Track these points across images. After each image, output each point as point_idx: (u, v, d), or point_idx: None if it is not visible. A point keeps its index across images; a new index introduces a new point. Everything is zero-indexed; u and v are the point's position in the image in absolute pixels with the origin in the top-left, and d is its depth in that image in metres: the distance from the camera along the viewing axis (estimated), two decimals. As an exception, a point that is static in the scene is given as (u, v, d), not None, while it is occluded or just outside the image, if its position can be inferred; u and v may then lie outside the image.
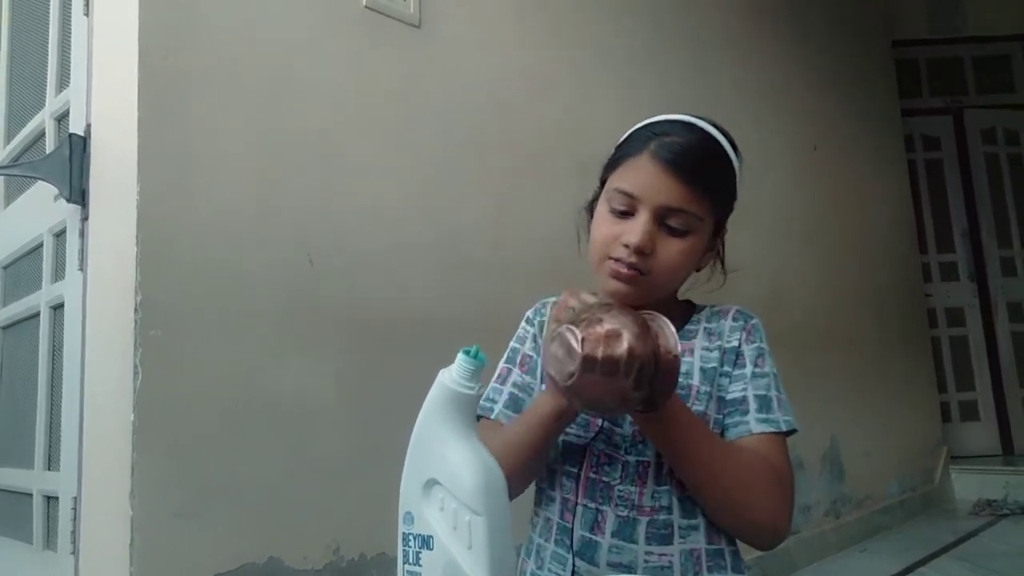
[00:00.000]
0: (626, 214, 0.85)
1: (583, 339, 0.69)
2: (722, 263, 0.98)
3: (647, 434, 0.83)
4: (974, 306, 4.62)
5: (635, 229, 0.83)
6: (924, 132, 4.74)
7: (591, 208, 0.93)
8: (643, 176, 0.84)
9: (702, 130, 0.88)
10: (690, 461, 0.82)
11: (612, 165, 0.90)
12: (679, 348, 0.73)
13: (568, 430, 0.89)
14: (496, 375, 1.00)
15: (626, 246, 0.84)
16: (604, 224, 0.87)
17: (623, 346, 0.68)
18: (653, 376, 0.71)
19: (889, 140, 4.24)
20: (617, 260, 0.85)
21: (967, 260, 4.65)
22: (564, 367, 0.71)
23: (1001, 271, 4.64)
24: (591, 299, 0.79)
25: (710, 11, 2.96)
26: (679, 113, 0.91)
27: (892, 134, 4.30)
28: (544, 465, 0.91)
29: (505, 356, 1.01)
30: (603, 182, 0.92)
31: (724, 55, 3.00)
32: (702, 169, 0.85)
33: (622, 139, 0.92)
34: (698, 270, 0.94)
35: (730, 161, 0.89)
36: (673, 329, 0.74)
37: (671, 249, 0.84)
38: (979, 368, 4.58)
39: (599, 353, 0.69)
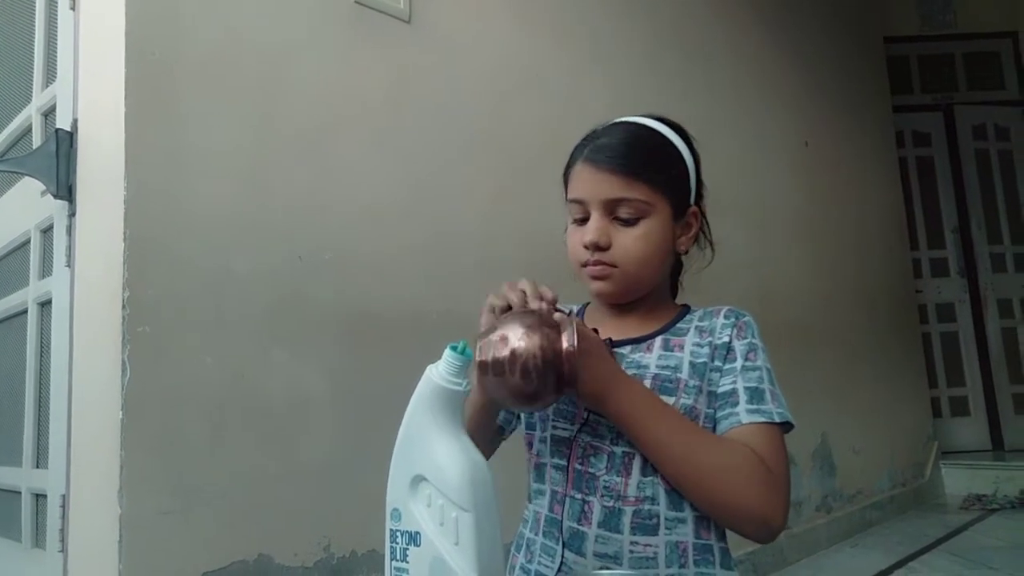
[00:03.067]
0: (584, 220, 0.91)
1: (479, 346, 0.78)
2: (710, 243, 1.01)
3: (617, 426, 0.85)
4: (964, 302, 4.65)
5: (589, 228, 0.89)
6: (915, 128, 4.76)
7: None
8: (582, 180, 0.91)
9: (630, 123, 0.94)
10: (661, 452, 0.83)
11: (565, 183, 0.97)
12: (575, 341, 0.78)
13: (556, 424, 0.91)
14: None
15: (587, 247, 0.89)
16: (571, 236, 0.94)
17: (506, 349, 0.76)
18: (544, 369, 0.76)
19: (880, 136, 4.26)
20: (586, 263, 0.91)
21: (957, 256, 4.68)
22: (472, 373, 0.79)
23: (991, 267, 4.66)
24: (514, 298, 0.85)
25: (703, 7, 2.96)
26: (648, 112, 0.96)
27: (883, 130, 4.31)
28: (489, 435, 0.97)
29: None
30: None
31: (717, 52, 3.00)
32: (632, 156, 0.89)
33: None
34: (682, 253, 0.97)
35: (667, 142, 0.93)
36: (574, 325, 0.79)
37: (627, 238, 0.89)
38: (969, 364, 4.61)
39: (488, 357, 0.77)
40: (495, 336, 0.78)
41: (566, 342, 0.77)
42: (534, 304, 0.83)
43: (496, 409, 0.94)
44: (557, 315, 0.83)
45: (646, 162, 0.90)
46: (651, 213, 0.89)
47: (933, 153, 4.77)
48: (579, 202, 0.91)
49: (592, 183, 0.89)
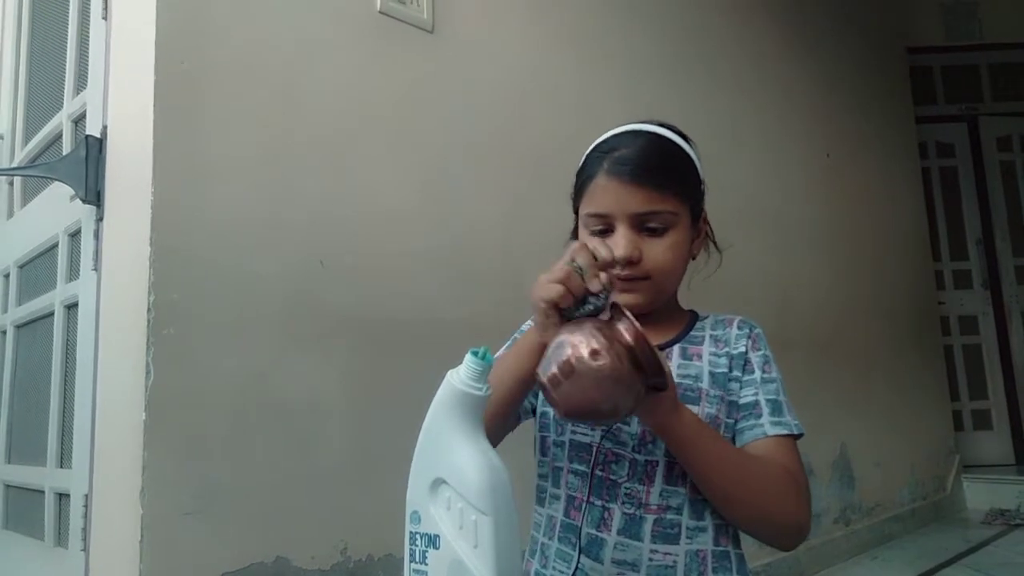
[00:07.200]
0: (603, 232, 0.90)
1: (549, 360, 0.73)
2: (714, 244, 1.01)
3: (670, 444, 0.83)
4: (988, 314, 4.58)
5: (618, 243, 0.87)
6: (939, 139, 4.71)
7: (575, 236, 0.98)
8: (607, 195, 0.89)
9: (647, 133, 0.93)
10: (713, 471, 0.82)
11: (578, 193, 0.95)
12: (637, 324, 0.73)
13: (575, 428, 0.91)
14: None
15: (617, 261, 0.86)
16: None
17: (576, 353, 0.71)
18: (621, 363, 0.71)
19: (903, 147, 4.22)
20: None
21: (981, 268, 4.62)
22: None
23: (1016, 279, 4.60)
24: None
25: (721, 18, 2.96)
26: (647, 121, 0.96)
27: (906, 141, 4.27)
28: (520, 404, 0.90)
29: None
30: (576, 211, 0.96)
31: (736, 62, 3.00)
32: (657, 169, 0.89)
33: (579, 165, 0.96)
34: (693, 258, 0.97)
35: (682, 151, 0.93)
36: (629, 316, 0.74)
37: (657, 249, 0.89)
38: (992, 377, 4.54)
39: (557, 367, 0.72)
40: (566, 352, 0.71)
41: (627, 331, 0.72)
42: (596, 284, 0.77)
43: (518, 408, 0.90)
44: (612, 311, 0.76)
45: (671, 173, 0.90)
46: (677, 223, 0.90)
47: (957, 164, 4.71)
48: (602, 216, 0.89)
49: (618, 197, 0.88)
